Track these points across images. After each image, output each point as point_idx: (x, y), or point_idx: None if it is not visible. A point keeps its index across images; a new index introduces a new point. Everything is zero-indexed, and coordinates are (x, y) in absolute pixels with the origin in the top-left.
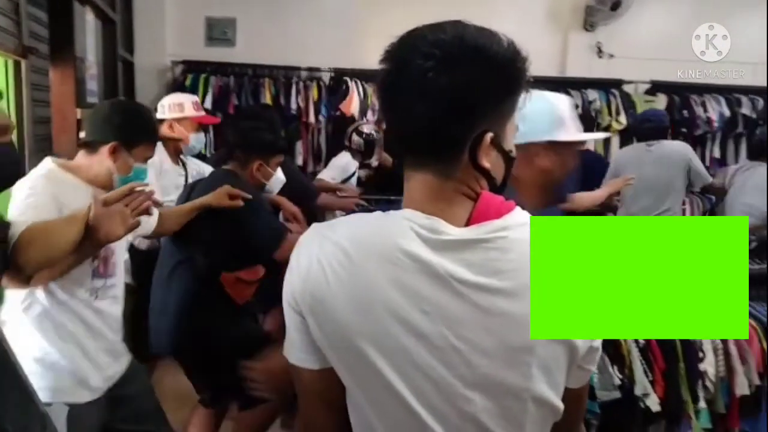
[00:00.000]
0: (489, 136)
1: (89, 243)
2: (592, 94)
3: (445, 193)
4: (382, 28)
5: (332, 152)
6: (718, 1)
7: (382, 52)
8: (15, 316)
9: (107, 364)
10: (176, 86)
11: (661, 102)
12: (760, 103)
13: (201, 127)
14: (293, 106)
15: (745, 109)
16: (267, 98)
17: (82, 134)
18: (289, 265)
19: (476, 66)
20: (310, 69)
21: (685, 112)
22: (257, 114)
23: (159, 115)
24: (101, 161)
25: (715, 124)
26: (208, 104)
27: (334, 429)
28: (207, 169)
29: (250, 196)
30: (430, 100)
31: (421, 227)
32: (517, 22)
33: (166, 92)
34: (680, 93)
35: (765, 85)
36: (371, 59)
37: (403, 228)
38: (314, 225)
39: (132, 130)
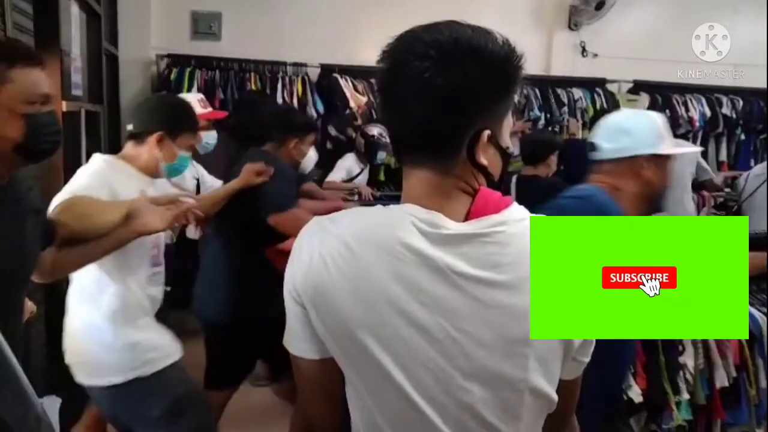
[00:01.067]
0: (486, 133)
1: (125, 230)
2: (578, 93)
3: (444, 189)
4: (370, 23)
5: (323, 147)
6: (701, 2)
7: (379, 52)
8: (86, 302)
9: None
10: (161, 80)
11: (643, 101)
12: (740, 103)
13: (211, 124)
14: (279, 100)
15: (726, 110)
16: None
17: (129, 127)
18: (290, 257)
19: (472, 66)
20: (296, 64)
21: (667, 111)
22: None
23: None
24: (149, 150)
25: (697, 124)
26: None
27: (332, 418)
28: (200, 170)
29: (272, 169)
30: (427, 100)
31: (422, 221)
32: (502, 21)
33: (150, 86)
34: (662, 93)
35: (745, 86)
36: (359, 55)
37: (404, 222)
38: (315, 218)
39: (176, 120)
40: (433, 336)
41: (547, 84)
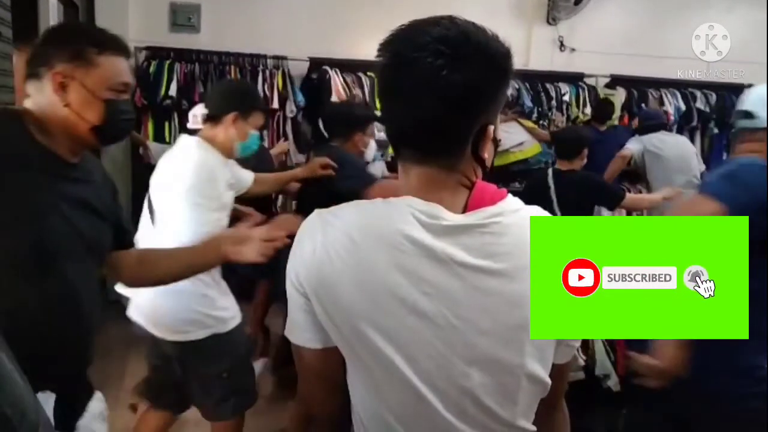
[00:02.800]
0: (491, 128)
1: (216, 256)
2: (564, 88)
3: (447, 184)
4: (352, 16)
5: (303, 141)
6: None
7: (375, 45)
8: None
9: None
10: (140, 73)
11: (620, 95)
12: (713, 98)
13: None
14: (259, 93)
15: (700, 104)
16: None
17: (205, 111)
18: (292, 250)
19: (483, 64)
20: (276, 57)
21: (643, 105)
22: None
23: (192, 126)
24: (225, 130)
25: (672, 118)
26: (173, 92)
27: (333, 406)
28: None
29: (335, 165)
30: (443, 97)
31: (422, 213)
32: (484, 14)
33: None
34: (638, 87)
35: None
36: (343, 48)
37: (405, 214)
38: (317, 211)
39: (247, 101)
40: (434, 324)
41: (532, 79)
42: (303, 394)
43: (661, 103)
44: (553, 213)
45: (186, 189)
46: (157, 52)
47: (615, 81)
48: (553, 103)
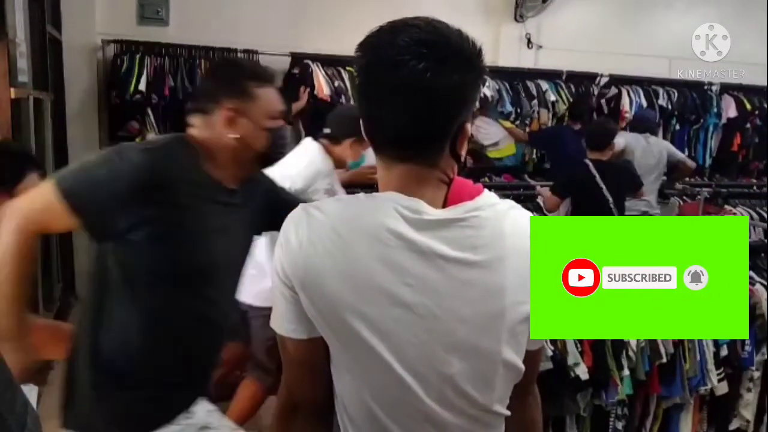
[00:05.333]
0: (468, 126)
1: None
2: (544, 85)
3: (428, 180)
4: (322, 10)
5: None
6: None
7: (356, 47)
8: None
9: None
10: (112, 68)
11: None
12: (675, 95)
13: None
14: None
15: (662, 101)
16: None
17: (327, 130)
18: (278, 243)
19: (461, 66)
20: (247, 51)
21: (644, 105)
22: None
23: None
24: (342, 150)
25: (627, 115)
26: (142, 86)
27: (316, 394)
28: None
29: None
30: (427, 99)
31: (405, 208)
32: (453, 12)
33: (96, 72)
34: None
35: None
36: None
37: (388, 209)
38: (301, 205)
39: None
40: (416, 313)
41: (511, 77)
42: (288, 383)
43: (619, 98)
44: (603, 199)
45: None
46: (125, 45)
47: (580, 78)
48: (535, 102)
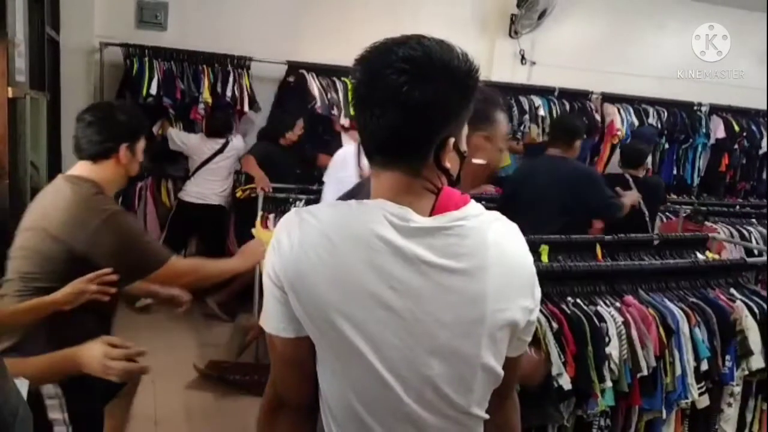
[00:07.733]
0: (451, 141)
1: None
2: (537, 101)
3: (412, 188)
4: (320, 20)
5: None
6: (629, 19)
7: (353, 62)
8: None
9: None
10: (125, 71)
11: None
12: (665, 114)
13: None
14: (228, 93)
15: (652, 119)
16: (206, 85)
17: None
18: (270, 245)
19: (442, 81)
20: (243, 58)
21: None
22: None
23: None
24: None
25: (618, 132)
26: (153, 90)
27: (302, 391)
28: None
29: None
30: (403, 111)
31: (393, 215)
32: (448, 28)
33: (93, 73)
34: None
35: (669, 98)
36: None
37: (377, 216)
38: (294, 210)
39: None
40: (400, 317)
41: (503, 92)
42: (275, 381)
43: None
44: (641, 212)
45: None
46: (132, 49)
47: (573, 95)
48: (526, 117)
